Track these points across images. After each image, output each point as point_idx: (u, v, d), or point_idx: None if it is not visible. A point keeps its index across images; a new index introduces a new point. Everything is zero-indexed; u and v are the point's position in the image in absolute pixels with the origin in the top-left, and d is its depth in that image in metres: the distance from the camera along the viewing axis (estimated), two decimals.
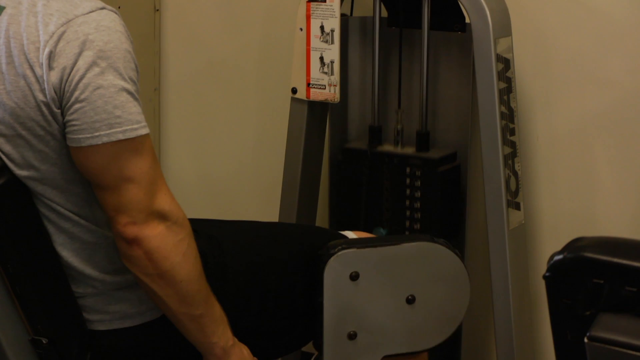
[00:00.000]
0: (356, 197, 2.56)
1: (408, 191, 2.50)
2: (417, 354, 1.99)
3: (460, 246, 2.52)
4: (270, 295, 1.92)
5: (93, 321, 1.79)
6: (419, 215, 2.49)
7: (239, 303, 1.89)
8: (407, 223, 2.51)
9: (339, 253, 1.87)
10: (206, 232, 1.91)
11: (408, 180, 2.49)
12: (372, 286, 1.90)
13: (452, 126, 2.56)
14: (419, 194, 2.48)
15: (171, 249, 1.67)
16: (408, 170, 2.48)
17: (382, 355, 1.94)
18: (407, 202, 2.50)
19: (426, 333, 1.96)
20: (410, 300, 1.92)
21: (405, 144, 2.55)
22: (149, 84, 3.03)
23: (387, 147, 2.57)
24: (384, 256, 1.90)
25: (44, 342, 1.77)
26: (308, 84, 2.51)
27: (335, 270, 1.87)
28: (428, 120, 2.51)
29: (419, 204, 2.49)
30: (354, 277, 1.88)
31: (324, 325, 1.89)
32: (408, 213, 2.50)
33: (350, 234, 2.05)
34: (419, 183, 2.47)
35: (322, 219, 2.73)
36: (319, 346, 1.93)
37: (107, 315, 1.79)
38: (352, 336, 1.91)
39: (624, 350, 1.07)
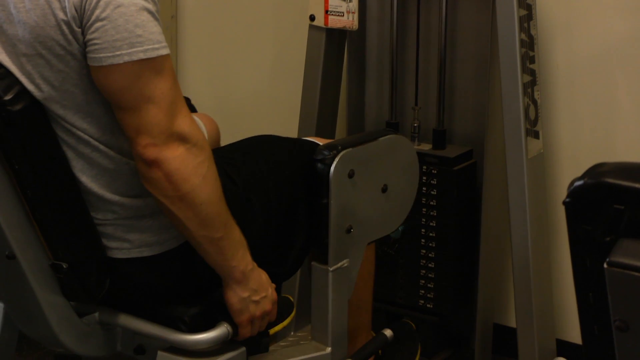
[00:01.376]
0: None
1: (424, 189, 2.50)
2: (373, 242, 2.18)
3: (479, 158, 2.53)
4: (282, 208, 1.95)
5: (112, 249, 1.80)
6: (435, 213, 2.50)
7: (245, 216, 1.89)
8: (423, 220, 2.52)
9: (342, 153, 1.97)
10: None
11: (424, 178, 2.49)
12: (361, 181, 2.03)
13: (468, 123, 2.56)
14: (435, 192, 2.49)
15: (191, 171, 1.67)
16: (424, 168, 2.49)
17: (367, 243, 2.11)
18: (423, 200, 2.51)
19: (393, 217, 2.16)
20: (384, 189, 2.09)
21: (422, 140, 2.56)
22: (166, 12, 3.01)
23: None
24: (369, 152, 2.06)
25: (64, 266, 1.78)
26: (326, 11, 2.49)
27: (339, 170, 1.97)
28: (445, 117, 2.51)
29: (434, 202, 2.50)
30: (351, 175, 2.00)
31: (330, 224, 1.98)
32: (424, 210, 2.51)
33: (319, 141, 2.13)
34: (435, 181, 2.48)
35: None
36: (325, 246, 2.00)
37: (126, 243, 1.80)
38: (349, 230, 2.03)
39: None
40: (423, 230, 2.53)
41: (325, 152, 1.97)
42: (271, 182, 1.95)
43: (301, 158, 2.02)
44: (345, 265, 2.04)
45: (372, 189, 2.07)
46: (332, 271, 2.02)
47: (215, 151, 2.00)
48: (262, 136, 2.14)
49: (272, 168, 1.99)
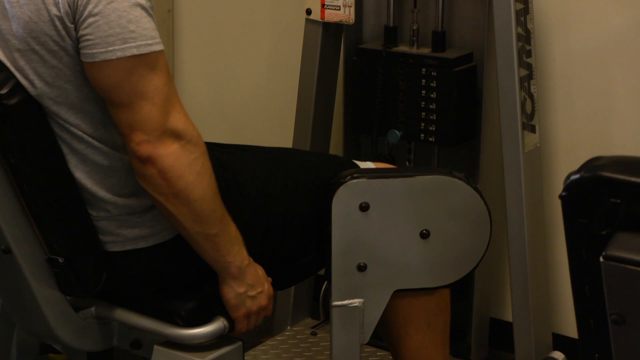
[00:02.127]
0: (371, 98, 2.54)
1: (423, 92, 2.47)
2: (435, 290, 1.96)
3: (476, 150, 2.50)
4: (281, 223, 1.91)
5: (107, 242, 1.80)
6: (434, 117, 2.46)
7: (249, 229, 1.88)
8: (422, 125, 2.48)
9: (349, 182, 1.82)
10: (217, 157, 1.89)
11: (423, 81, 2.46)
12: (383, 218, 1.85)
13: (468, 26, 2.52)
14: (435, 94, 2.46)
15: (185, 168, 1.67)
16: (423, 70, 2.46)
17: (394, 289, 1.90)
18: (423, 104, 2.47)
19: (442, 269, 1.92)
20: (425, 235, 1.87)
21: (421, 44, 2.53)
22: (162, 6, 3.01)
23: (403, 48, 2.54)
24: (396, 188, 1.86)
25: (60, 261, 1.78)
26: (323, 5, 2.49)
27: (344, 200, 1.83)
28: (444, 19, 2.48)
29: (434, 105, 2.46)
30: (364, 207, 1.84)
31: (332, 255, 1.87)
32: (423, 114, 2.47)
33: (370, 165, 2.01)
34: (435, 84, 2.45)
35: (336, 145, 2.72)
36: (328, 276, 1.91)
37: (120, 237, 1.80)
38: (361, 268, 1.87)
39: None
40: (422, 135, 2.49)
41: (339, 177, 1.83)
42: (269, 185, 1.92)
43: (325, 177, 1.92)
44: (356, 304, 1.88)
45: (403, 231, 1.86)
46: (335, 307, 1.88)
47: (225, 147, 1.99)
48: (295, 150, 2.09)
49: (275, 173, 1.94)
